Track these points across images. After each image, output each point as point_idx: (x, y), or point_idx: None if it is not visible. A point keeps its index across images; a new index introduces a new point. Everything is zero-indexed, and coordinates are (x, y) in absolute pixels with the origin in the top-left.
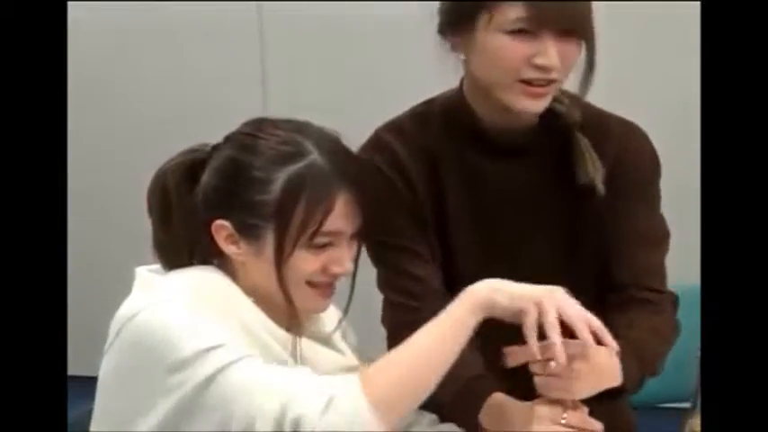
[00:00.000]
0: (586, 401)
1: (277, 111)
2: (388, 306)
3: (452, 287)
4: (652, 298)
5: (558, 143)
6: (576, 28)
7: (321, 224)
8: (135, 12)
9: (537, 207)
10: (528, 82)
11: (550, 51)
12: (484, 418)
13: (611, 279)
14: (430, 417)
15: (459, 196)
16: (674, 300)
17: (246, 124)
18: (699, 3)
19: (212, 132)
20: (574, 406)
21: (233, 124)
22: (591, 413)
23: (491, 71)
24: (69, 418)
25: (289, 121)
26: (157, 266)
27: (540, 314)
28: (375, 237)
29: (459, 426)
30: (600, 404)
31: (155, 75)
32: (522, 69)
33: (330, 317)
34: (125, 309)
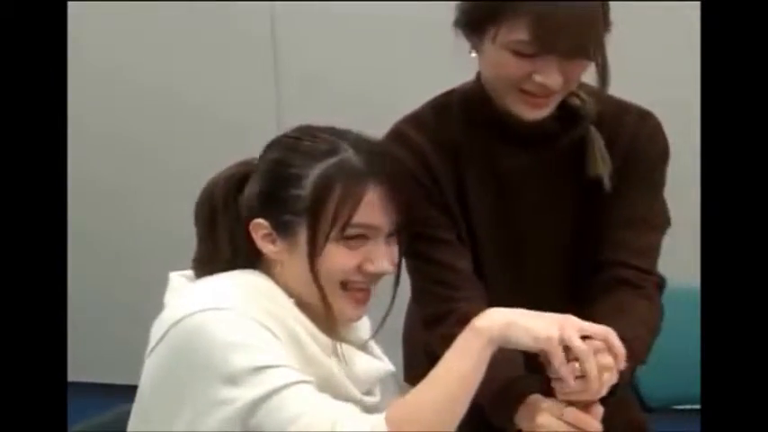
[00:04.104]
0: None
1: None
2: (422, 295)
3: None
4: (637, 279)
5: (574, 133)
6: (581, 52)
7: (352, 215)
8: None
9: (551, 193)
10: (528, 92)
11: (551, 72)
12: (521, 419)
13: (600, 257)
14: None
15: (480, 184)
16: (659, 283)
17: (290, 130)
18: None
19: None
20: (587, 406)
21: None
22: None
23: (493, 79)
24: (105, 418)
25: (330, 128)
26: (190, 272)
27: (568, 344)
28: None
29: (498, 426)
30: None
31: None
32: (523, 83)
33: (365, 326)
34: (171, 312)
